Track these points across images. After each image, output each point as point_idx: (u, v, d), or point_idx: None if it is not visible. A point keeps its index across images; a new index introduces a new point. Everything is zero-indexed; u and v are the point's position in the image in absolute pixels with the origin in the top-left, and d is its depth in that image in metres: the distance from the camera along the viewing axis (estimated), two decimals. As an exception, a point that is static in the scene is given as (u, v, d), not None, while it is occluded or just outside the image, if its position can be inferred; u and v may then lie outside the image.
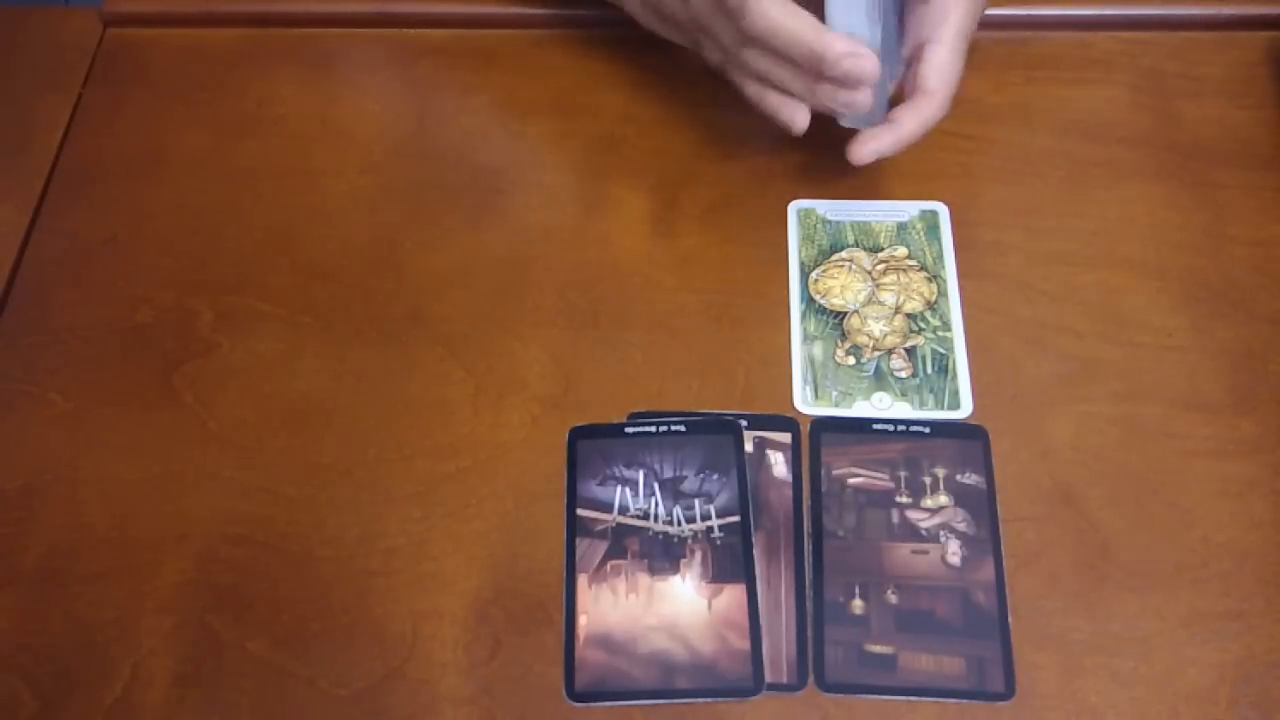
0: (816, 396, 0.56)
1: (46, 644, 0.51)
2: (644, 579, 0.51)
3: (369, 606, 0.51)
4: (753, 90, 0.57)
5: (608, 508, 0.53)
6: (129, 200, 0.63)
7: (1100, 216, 0.61)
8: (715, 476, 0.53)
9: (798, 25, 0.52)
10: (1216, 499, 0.53)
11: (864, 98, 0.54)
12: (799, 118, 0.56)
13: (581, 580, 0.51)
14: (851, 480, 0.53)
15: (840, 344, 0.57)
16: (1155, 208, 0.61)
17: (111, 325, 0.59)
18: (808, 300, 0.58)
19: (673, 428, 0.54)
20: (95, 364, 0.57)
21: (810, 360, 0.57)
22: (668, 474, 0.53)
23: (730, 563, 0.51)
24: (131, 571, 0.52)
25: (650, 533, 0.52)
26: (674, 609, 0.51)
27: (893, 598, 0.51)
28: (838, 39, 0.52)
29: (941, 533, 0.52)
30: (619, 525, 0.52)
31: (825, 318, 0.58)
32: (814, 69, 0.53)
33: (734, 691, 0.49)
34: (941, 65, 0.56)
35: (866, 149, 0.56)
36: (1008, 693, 0.48)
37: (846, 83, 0.53)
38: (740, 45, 0.55)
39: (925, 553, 0.51)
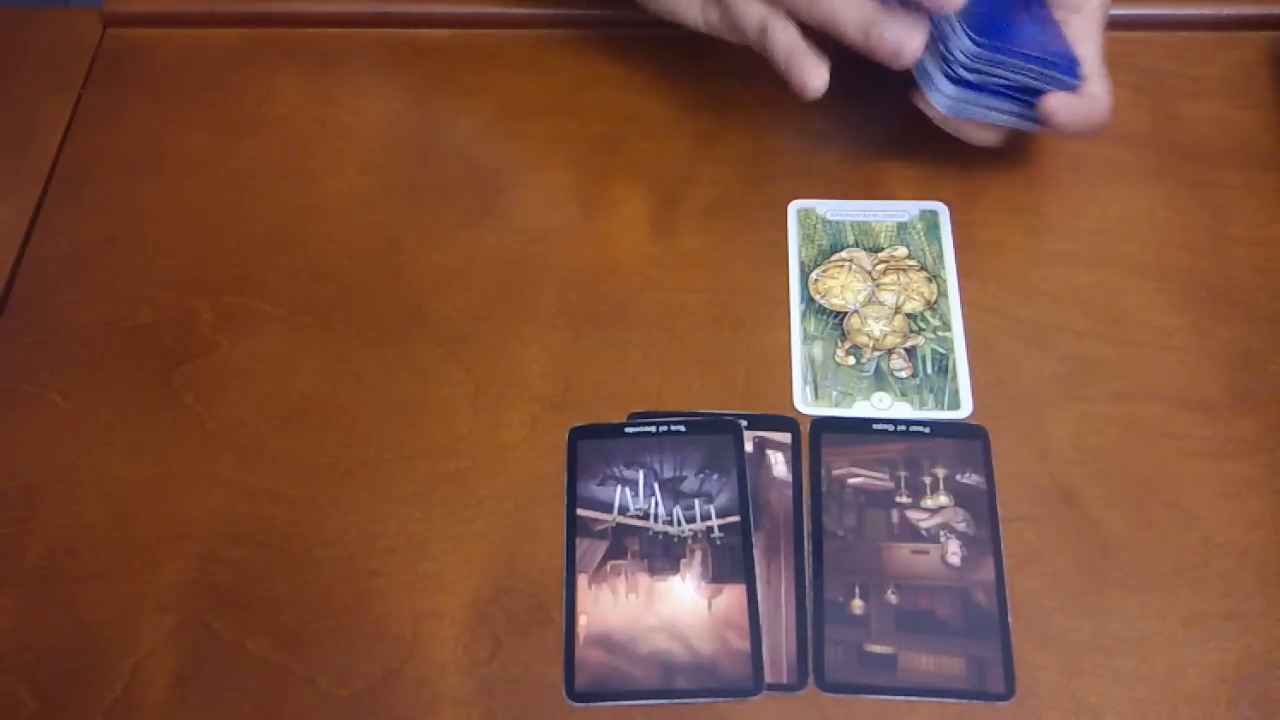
0: (816, 396, 0.56)
1: (46, 644, 0.51)
2: (644, 579, 0.51)
3: (369, 606, 0.51)
4: (783, 47, 0.55)
5: (608, 508, 0.53)
6: (129, 200, 0.63)
7: (1100, 216, 0.61)
8: (715, 476, 0.53)
9: None
10: (1216, 499, 0.53)
11: (918, 41, 0.52)
12: (814, 81, 0.54)
13: (581, 580, 0.51)
14: (851, 480, 0.53)
15: (840, 344, 0.57)
16: (1155, 208, 0.61)
17: (111, 325, 0.59)
18: (808, 300, 0.58)
19: (673, 428, 0.54)
20: (95, 364, 0.57)
21: (810, 360, 0.57)
22: (668, 474, 0.53)
23: (730, 563, 0.51)
24: (131, 571, 0.52)
25: (650, 533, 0.52)
26: (674, 609, 0.51)
27: (893, 598, 0.51)
28: None
29: (941, 533, 0.52)
30: (619, 525, 0.52)
31: (825, 318, 0.58)
32: None
33: (734, 691, 0.49)
34: (1096, 71, 0.57)
35: (1053, 104, 0.55)
36: (1008, 693, 0.48)
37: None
38: None
39: (925, 553, 0.51)
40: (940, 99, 0.56)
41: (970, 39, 0.54)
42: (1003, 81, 0.55)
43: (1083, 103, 0.56)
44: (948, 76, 0.55)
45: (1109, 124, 0.57)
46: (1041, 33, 0.57)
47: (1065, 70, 0.55)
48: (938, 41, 0.54)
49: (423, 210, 0.62)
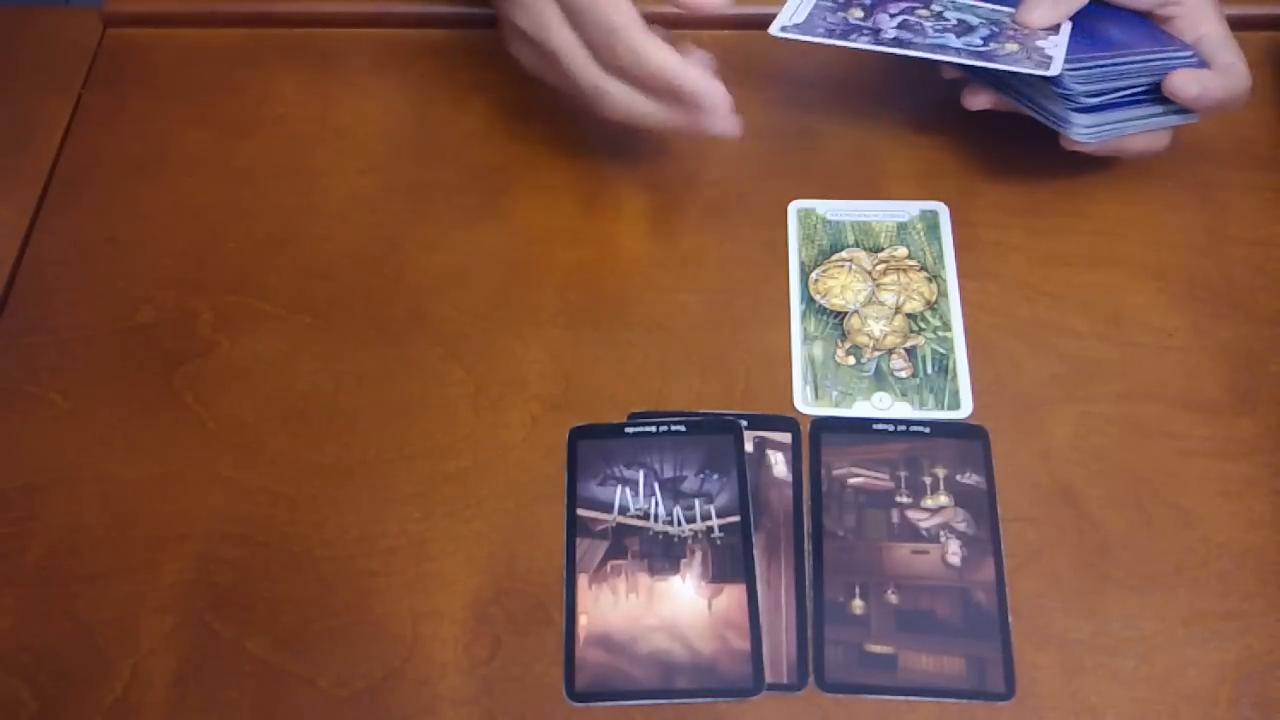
0: (816, 396, 0.56)
1: (46, 644, 0.51)
2: (644, 579, 0.51)
3: (369, 606, 0.51)
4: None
5: (608, 508, 0.53)
6: (129, 200, 0.63)
7: (1100, 216, 0.61)
8: (715, 476, 0.53)
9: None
10: (1216, 499, 0.53)
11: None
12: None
13: (581, 580, 0.51)
14: (851, 480, 0.53)
15: (840, 344, 0.57)
16: (1155, 208, 0.61)
17: (111, 325, 0.59)
18: (808, 300, 0.58)
19: (673, 428, 0.54)
20: (95, 364, 0.57)
21: (810, 360, 0.57)
22: (668, 474, 0.53)
23: (730, 563, 0.51)
24: (131, 571, 0.52)
25: (650, 533, 0.52)
26: (674, 609, 0.51)
27: (893, 598, 0.51)
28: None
29: (941, 533, 0.52)
30: (619, 525, 0.52)
31: (825, 318, 0.58)
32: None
33: (734, 691, 0.49)
34: (1222, 43, 0.57)
35: (1190, 86, 0.55)
36: (1008, 693, 0.48)
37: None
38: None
39: (925, 553, 0.51)
40: (1080, 132, 0.56)
41: (1070, 62, 0.54)
42: (1127, 88, 0.55)
43: (1212, 73, 0.55)
44: (1074, 109, 0.55)
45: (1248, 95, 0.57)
46: (1134, 33, 0.57)
47: (1176, 51, 0.55)
48: (1048, 83, 0.55)
49: (423, 210, 0.62)
